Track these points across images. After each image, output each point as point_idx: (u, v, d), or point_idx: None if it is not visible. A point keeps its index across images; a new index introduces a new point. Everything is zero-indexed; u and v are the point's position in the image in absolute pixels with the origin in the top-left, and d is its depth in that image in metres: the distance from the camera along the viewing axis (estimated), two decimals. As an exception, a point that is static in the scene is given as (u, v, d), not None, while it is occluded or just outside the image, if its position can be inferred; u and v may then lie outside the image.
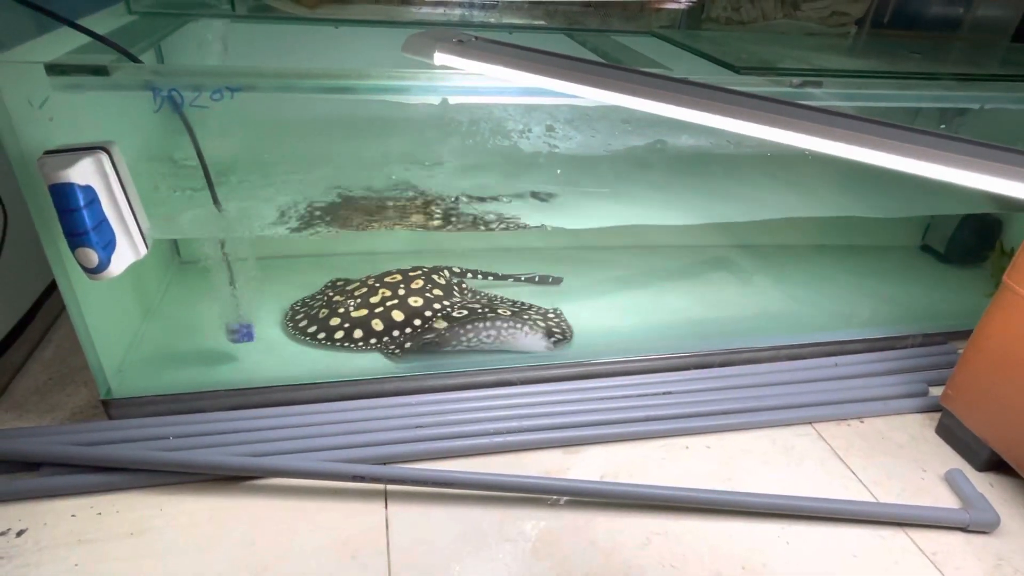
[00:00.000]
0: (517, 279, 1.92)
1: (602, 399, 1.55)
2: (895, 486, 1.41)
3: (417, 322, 1.61)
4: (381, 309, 1.63)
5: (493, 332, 1.58)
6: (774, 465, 1.44)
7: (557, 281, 1.95)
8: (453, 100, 1.22)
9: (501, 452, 1.42)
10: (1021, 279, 1.33)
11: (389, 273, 1.78)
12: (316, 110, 1.39)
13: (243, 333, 1.54)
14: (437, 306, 1.66)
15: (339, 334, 1.59)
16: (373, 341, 1.58)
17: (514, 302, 1.80)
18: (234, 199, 1.34)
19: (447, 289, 1.75)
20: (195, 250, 1.88)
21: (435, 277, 1.79)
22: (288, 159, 1.49)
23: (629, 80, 0.97)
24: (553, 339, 1.65)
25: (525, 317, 1.68)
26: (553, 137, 1.48)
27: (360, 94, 1.17)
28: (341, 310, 1.63)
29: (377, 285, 1.71)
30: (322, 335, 1.59)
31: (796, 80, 1.28)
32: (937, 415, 1.59)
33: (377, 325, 1.60)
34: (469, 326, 1.58)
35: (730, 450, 1.48)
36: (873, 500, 1.37)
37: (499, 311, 1.67)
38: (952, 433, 1.52)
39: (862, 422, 1.59)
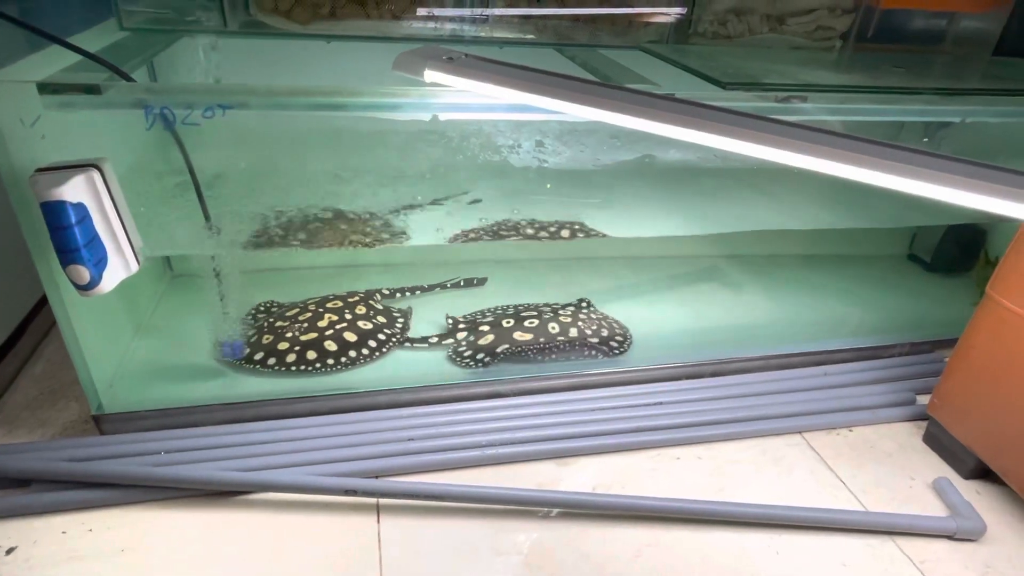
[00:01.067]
0: (444, 287, 1.96)
1: (593, 410, 1.56)
2: (883, 495, 1.42)
3: (373, 344, 1.63)
4: (332, 332, 1.64)
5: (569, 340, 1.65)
6: (764, 475, 1.45)
7: (482, 282, 2.00)
8: (444, 116, 1.24)
9: (493, 464, 1.42)
10: (1003, 290, 1.35)
11: (327, 299, 1.78)
12: (307, 126, 1.40)
13: (231, 349, 1.54)
14: (388, 332, 1.69)
15: (291, 357, 1.57)
16: (331, 362, 1.57)
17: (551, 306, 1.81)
18: (225, 214, 1.34)
19: (388, 315, 1.77)
20: (187, 264, 1.89)
21: (372, 302, 1.80)
22: (280, 175, 1.50)
23: (614, 97, 0.98)
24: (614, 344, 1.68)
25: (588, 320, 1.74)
26: (543, 152, 1.50)
27: (351, 111, 1.18)
28: (289, 334, 1.62)
29: (321, 311, 1.71)
30: (272, 360, 1.56)
31: (781, 95, 1.30)
32: (924, 424, 1.61)
33: (331, 346, 1.60)
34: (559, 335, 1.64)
35: (721, 460, 1.49)
36: (862, 509, 1.38)
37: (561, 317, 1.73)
38: (939, 441, 1.54)
39: (851, 431, 1.61)
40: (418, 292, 1.93)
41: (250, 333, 1.65)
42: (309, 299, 1.79)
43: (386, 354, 1.63)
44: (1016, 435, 1.33)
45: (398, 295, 1.90)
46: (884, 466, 1.50)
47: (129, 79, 1.15)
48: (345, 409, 1.50)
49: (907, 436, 1.60)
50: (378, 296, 1.86)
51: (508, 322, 1.76)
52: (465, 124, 1.40)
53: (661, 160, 1.55)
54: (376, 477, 1.35)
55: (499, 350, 1.66)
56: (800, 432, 1.59)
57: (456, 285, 1.97)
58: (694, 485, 1.41)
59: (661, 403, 1.61)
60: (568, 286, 2.05)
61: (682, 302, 2.00)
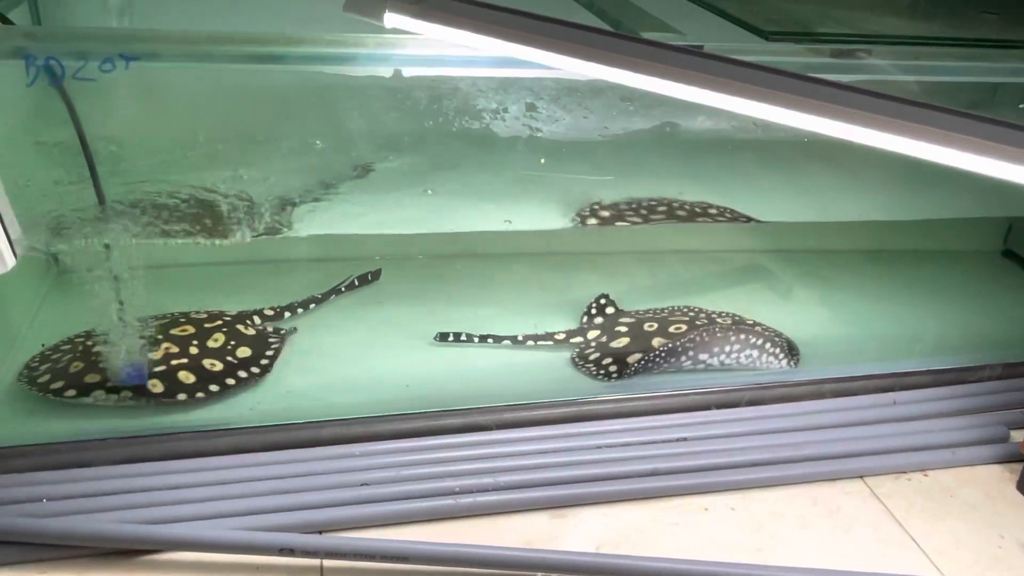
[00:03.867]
0: (338, 292, 2.03)
1: (599, 447, 1.57)
2: (966, 557, 1.45)
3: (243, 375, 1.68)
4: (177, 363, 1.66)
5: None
6: (815, 531, 1.47)
7: (376, 275, 2.08)
8: (408, 72, 1.25)
9: (469, 516, 1.43)
10: (1116, 298, 1.38)
11: (177, 323, 1.79)
12: (236, 83, 1.41)
13: (133, 370, 1.55)
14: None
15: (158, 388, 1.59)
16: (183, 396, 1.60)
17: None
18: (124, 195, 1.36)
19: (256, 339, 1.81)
20: (78, 259, 1.89)
21: (239, 327, 1.83)
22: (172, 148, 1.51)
23: (624, 51, 1.00)
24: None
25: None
26: (535, 119, 1.51)
27: (291, 64, 1.19)
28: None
29: (160, 337, 1.72)
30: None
31: (838, 49, 1.33)
32: (1019, 467, 1.63)
33: (187, 377, 1.62)
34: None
35: (760, 512, 1.51)
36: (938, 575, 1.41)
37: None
38: (1036, 489, 1.57)
39: (926, 475, 1.63)
40: (312, 306, 1.97)
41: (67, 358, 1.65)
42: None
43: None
44: None
45: (287, 314, 1.93)
46: (967, 521, 1.53)
47: (6, 21, 1.15)
48: (281, 445, 1.51)
49: (996, 482, 1.63)
50: (256, 318, 1.89)
51: (651, 326, 1.86)
52: (436, 82, 1.42)
53: (685, 129, 1.57)
54: (320, 532, 1.36)
55: (631, 360, 1.75)
56: (861, 476, 1.61)
57: (350, 286, 2.04)
58: (725, 544, 1.43)
59: (685, 439, 1.62)
60: (567, 287, 2.07)
61: (713, 308, 2.02)
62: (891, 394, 1.79)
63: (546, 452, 1.55)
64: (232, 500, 1.38)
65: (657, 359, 1.76)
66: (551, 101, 1.49)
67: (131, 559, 1.31)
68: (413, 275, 2.13)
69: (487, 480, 1.46)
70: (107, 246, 1.44)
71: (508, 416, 1.61)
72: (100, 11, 1.55)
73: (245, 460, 1.47)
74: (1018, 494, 1.60)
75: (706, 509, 1.51)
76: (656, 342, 1.82)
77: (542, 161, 1.57)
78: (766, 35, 1.36)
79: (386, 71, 1.24)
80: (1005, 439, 1.71)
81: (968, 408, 1.77)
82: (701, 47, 1.23)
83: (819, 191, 1.83)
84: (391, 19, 1.12)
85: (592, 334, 1.89)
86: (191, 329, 1.77)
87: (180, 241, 1.44)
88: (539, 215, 1.69)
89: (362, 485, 1.43)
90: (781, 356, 1.84)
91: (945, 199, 1.86)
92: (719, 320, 1.93)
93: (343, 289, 2.03)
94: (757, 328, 1.90)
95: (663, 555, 1.38)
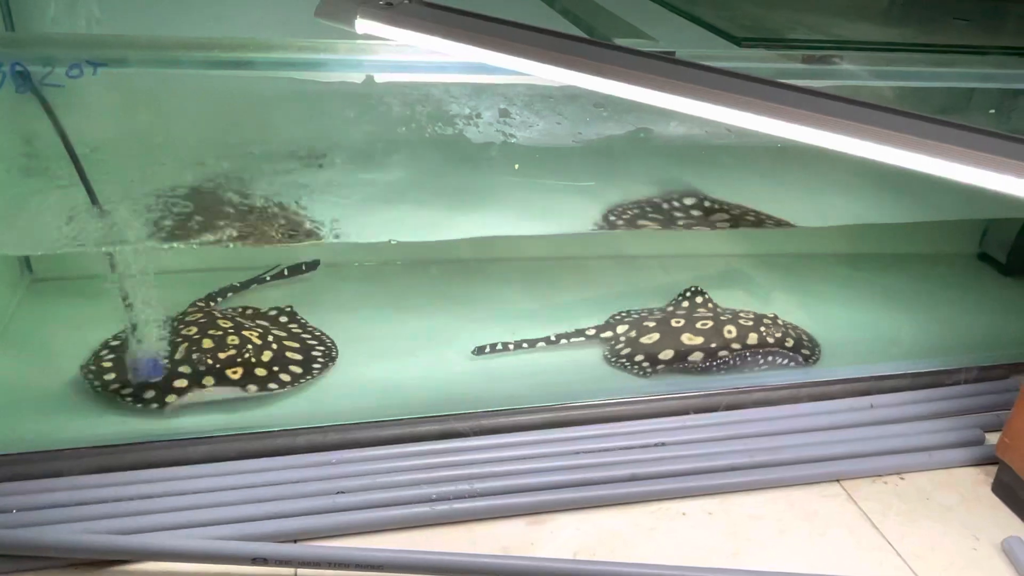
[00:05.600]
0: (262, 280, 2.05)
1: (577, 453, 1.57)
2: (941, 559, 1.45)
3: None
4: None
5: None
6: (792, 535, 1.48)
7: (313, 266, 2.10)
8: (381, 78, 1.24)
9: (446, 523, 1.42)
10: (1086, 301, 1.39)
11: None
12: (207, 88, 1.40)
13: (149, 367, 1.54)
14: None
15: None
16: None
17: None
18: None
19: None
20: (53, 265, 1.88)
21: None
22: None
23: (596, 57, 1.00)
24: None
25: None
26: (509, 124, 1.51)
27: (262, 70, 1.19)
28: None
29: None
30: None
31: (810, 54, 1.33)
32: (994, 469, 1.64)
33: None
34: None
35: (737, 516, 1.51)
36: (913, 578, 1.41)
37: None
38: (1011, 492, 1.58)
39: (902, 478, 1.64)
40: (230, 294, 1.99)
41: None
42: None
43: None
44: (1102, 483, 1.37)
45: (212, 303, 1.93)
46: (943, 523, 1.53)
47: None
48: (254, 453, 1.50)
49: (972, 485, 1.64)
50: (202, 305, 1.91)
51: (678, 322, 1.91)
52: (408, 88, 1.41)
53: (659, 135, 1.58)
54: (295, 541, 1.35)
55: (661, 356, 1.82)
56: (838, 480, 1.62)
57: (279, 275, 2.06)
58: (703, 548, 1.43)
59: (663, 444, 1.62)
60: (552, 291, 2.07)
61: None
62: (868, 397, 1.80)
63: (523, 458, 1.55)
64: (205, 509, 1.38)
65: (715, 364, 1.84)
66: (524, 107, 1.49)
67: (102, 570, 1.29)
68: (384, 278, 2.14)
69: (464, 487, 1.46)
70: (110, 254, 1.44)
71: (485, 422, 1.61)
72: (76, 17, 1.54)
73: (219, 469, 1.46)
74: (993, 496, 1.61)
75: (684, 514, 1.50)
76: (685, 338, 1.87)
77: (516, 167, 1.57)
78: (738, 41, 1.36)
79: (356, 77, 1.23)
80: (980, 442, 1.72)
81: (944, 411, 1.78)
82: (673, 53, 1.23)
83: (796, 196, 1.84)
84: (362, 25, 1.12)
85: (621, 329, 1.94)
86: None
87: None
88: (516, 220, 1.68)
89: (338, 493, 1.43)
90: (805, 354, 1.91)
91: (921, 203, 1.87)
92: (741, 317, 1.97)
93: (268, 278, 2.05)
94: (777, 330, 1.95)
95: (640, 560, 1.38)
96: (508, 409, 1.63)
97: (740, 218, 1.78)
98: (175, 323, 1.77)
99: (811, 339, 1.98)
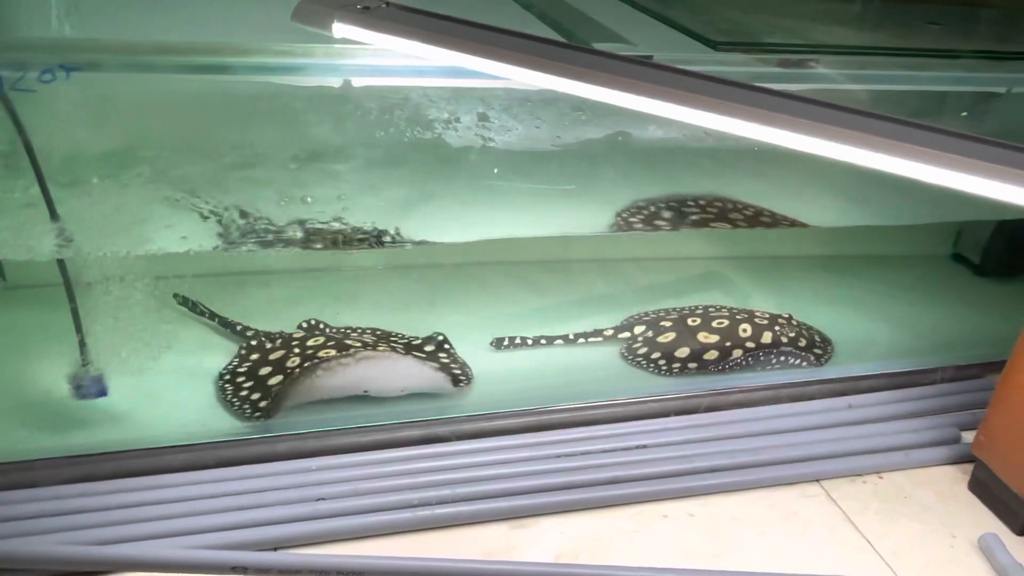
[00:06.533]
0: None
1: (558, 456, 1.57)
2: (919, 558, 1.46)
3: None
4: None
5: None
6: (773, 536, 1.48)
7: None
8: (358, 82, 1.24)
9: (428, 529, 1.42)
10: (1058, 300, 1.41)
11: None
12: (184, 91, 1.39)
13: (92, 387, 1.52)
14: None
15: None
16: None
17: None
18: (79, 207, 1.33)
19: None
20: (28, 273, 1.85)
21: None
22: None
23: (573, 61, 1.00)
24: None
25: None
26: (487, 128, 1.51)
27: (239, 75, 1.18)
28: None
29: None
30: None
31: (785, 58, 1.34)
32: (970, 467, 1.66)
33: None
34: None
35: (718, 518, 1.51)
36: (892, 576, 1.42)
37: None
38: (987, 489, 1.59)
39: (880, 478, 1.65)
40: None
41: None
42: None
43: None
44: (1075, 480, 1.39)
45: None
46: (921, 522, 1.55)
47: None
48: (233, 461, 1.48)
49: (950, 483, 1.65)
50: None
51: (694, 321, 1.94)
52: (386, 92, 1.41)
53: (638, 138, 1.58)
54: (275, 549, 1.34)
55: (678, 353, 1.86)
56: (818, 480, 1.62)
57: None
58: (684, 550, 1.43)
59: (644, 446, 1.62)
60: (526, 296, 2.06)
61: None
62: (846, 398, 1.81)
63: (505, 462, 1.54)
64: (184, 518, 1.36)
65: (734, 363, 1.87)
66: (503, 111, 1.49)
67: (78, 582, 1.28)
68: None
69: (445, 492, 1.45)
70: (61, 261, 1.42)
71: (467, 427, 1.60)
72: (52, 21, 1.52)
73: (198, 477, 1.45)
74: (970, 494, 1.62)
75: (665, 516, 1.51)
76: (702, 336, 1.90)
77: (495, 171, 1.57)
78: (715, 45, 1.37)
79: (334, 81, 1.23)
80: (957, 440, 1.73)
81: (921, 410, 1.80)
82: (650, 57, 1.24)
83: (772, 199, 1.85)
84: (340, 29, 1.12)
85: (638, 329, 1.96)
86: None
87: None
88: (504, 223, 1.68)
89: (319, 500, 1.41)
90: (818, 352, 1.94)
91: (897, 205, 1.89)
92: (756, 316, 2.00)
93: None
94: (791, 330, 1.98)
95: (622, 563, 1.38)
96: (489, 414, 1.62)
97: (755, 219, 1.83)
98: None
99: (824, 338, 2.01)
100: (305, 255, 1.95)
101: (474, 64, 1.07)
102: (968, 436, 1.74)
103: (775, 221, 1.82)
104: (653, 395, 1.72)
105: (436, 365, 1.72)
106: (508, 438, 1.60)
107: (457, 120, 1.47)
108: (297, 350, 1.73)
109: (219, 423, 1.55)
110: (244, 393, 1.64)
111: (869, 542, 1.49)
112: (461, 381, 1.72)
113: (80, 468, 1.43)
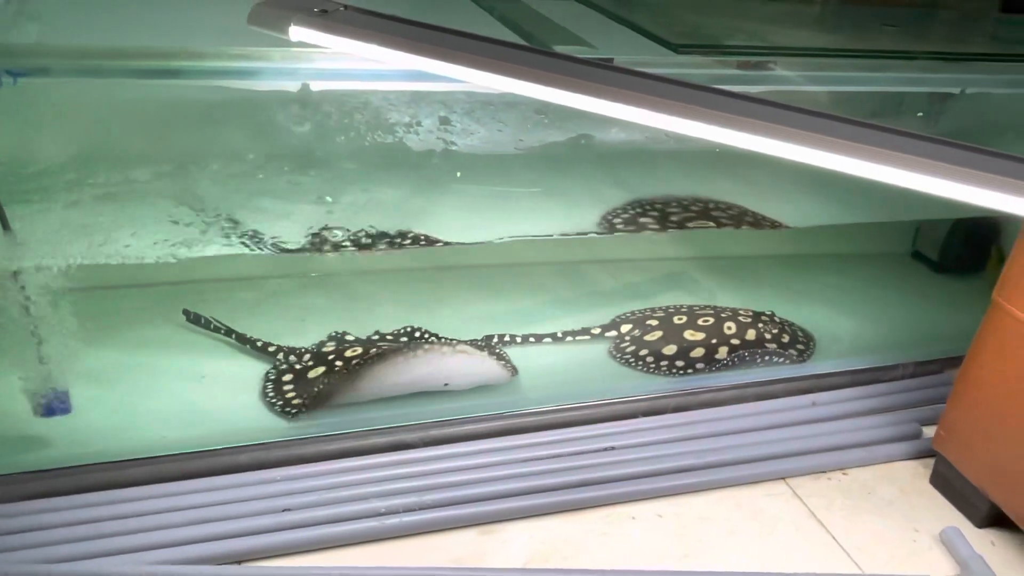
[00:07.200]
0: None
1: (527, 460, 1.56)
2: (883, 552, 1.48)
3: None
4: None
5: None
6: (740, 535, 1.49)
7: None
8: (317, 86, 1.22)
9: (397, 537, 1.40)
10: (1012, 295, 1.43)
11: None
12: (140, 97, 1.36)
13: (55, 404, 1.49)
14: None
15: None
16: None
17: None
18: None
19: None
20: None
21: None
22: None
23: (530, 64, 0.99)
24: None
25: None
26: (449, 132, 1.50)
27: (193, 79, 1.15)
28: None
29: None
30: None
31: (744, 60, 1.35)
32: (932, 461, 1.68)
33: None
34: None
35: (687, 518, 1.51)
36: (858, 573, 1.43)
37: None
38: (948, 483, 1.61)
39: (845, 474, 1.67)
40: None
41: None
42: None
43: None
44: (1032, 472, 1.41)
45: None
46: (884, 516, 1.56)
47: None
48: (196, 473, 1.46)
49: (912, 477, 1.67)
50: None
51: (680, 319, 1.98)
52: (346, 96, 1.39)
53: (600, 141, 1.58)
54: (239, 563, 1.32)
55: (665, 351, 1.88)
56: (784, 478, 1.64)
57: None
58: (653, 552, 1.43)
59: (612, 448, 1.62)
60: (482, 301, 2.05)
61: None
62: (810, 396, 1.82)
63: (474, 468, 1.53)
64: (146, 533, 1.33)
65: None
66: (464, 114, 1.48)
67: (35, 601, 1.24)
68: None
69: (413, 499, 1.44)
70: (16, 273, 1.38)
71: (435, 433, 1.59)
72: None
73: (160, 490, 1.42)
74: (932, 488, 1.65)
75: (634, 517, 1.50)
76: (688, 334, 1.93)
77: (458, 175, 1.56)
78: (675, 47, 1.38)
79: (292, 85, 1.21)
80: (918, 435, 1.76)
81: (883, 407, 1.82)
82: (611, 60, 1.23)
83: (740, 197, 1.86)
84: (297, 32, 1.09)
85: (625, 328, 1.98)
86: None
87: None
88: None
89: (284, 511, 1.39)
90: (801, 349, 1.97)
91: (856, 204, 1.91)
92: (740, 314, 2.03)
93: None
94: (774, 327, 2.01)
95: (591, 566, 1.38)
96: (457, 419, 1.61)
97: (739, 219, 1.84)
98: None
99: (806, 334, 2.04)
100: (272, 262, 1.92)
101: (433, 68, 1.06)
102: (929, 431, 1.77)
103: (756, 222, 1.85)
104: (621, 397, 1.72)
105: (495, 357, 1.75)
106: (476, 443, 1.59)
107: (418, 124, 1.46)
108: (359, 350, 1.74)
109: (179, 434, 1.52)
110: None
111: (835, 538, 1.50)
112: (515, 372, 1.77)
113: (40, 484, 1.40)
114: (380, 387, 1.63)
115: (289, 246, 1.47)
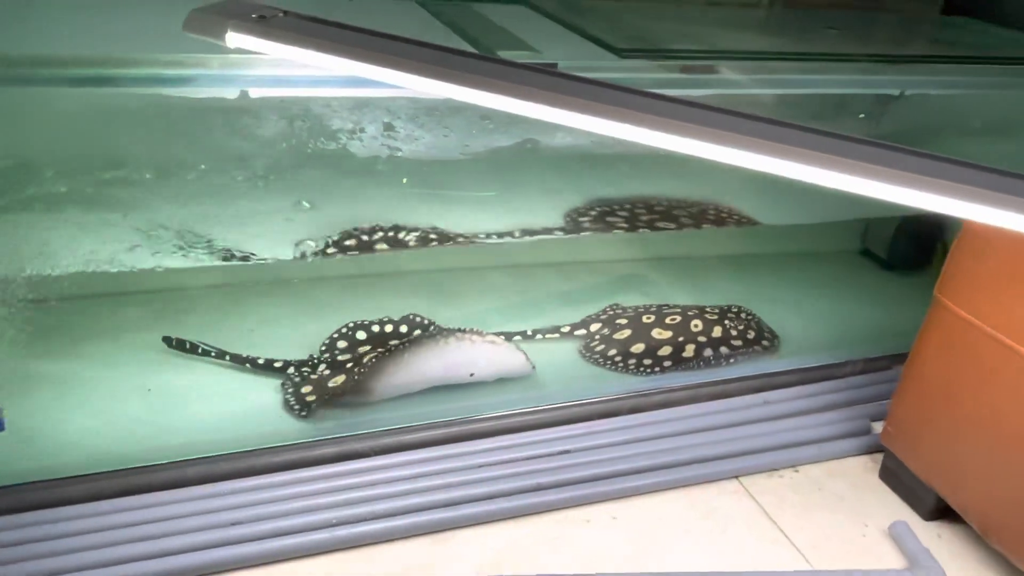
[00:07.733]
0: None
1: (480, 466, 1.55)
2: (833, 548, 1.50)
3: None
4: None
5: None
6: (694, 535, 1.49)
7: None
8: (256, 93, 1.20)
9: (347, 548, 1.38)
10: (952, 292, 1.46)
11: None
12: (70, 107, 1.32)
13: None
14: None
15: None
16: None
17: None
18: None
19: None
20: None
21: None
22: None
23: (471, 69, 0.98)
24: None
25: None
26: (393, 138, 1.49)
27: (126, 87, 1.12)
28: None
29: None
30: None
31: (686, 64, 1.36)
32: (880, 456, 1.71)
33: None
34: None
35: (641, 520, 1.52)
36: (808, 569, 1.45)
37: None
38: (896, 477, 1.64)
39: (796, 471, 1.69)
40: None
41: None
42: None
43: None
44: (972, 466, 1.44)
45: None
46: (834, 512, 1.58)
47: None
48: (139, 489, 1.42)
49: (862, 473, 1.70)
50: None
51: (649, 318, 2.00)
52: (286, 103, 1.37)
53: (546, 145, 1.58)
54: (185, 579, 1.29)
55: (633, 349, 1.88)
56: (736, 476, 1.65)
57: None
58: (607, 556, 1.43)
59: (567, 451, 1.62)
60: (433, 302, 2.04)
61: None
62: (762, 394, 1.84)
63: (426, 475, 1.52)
64: (87, 552, 1.30)
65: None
66: (409, 120, 1.47)
67: (-30, 627, 1.20)
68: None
69: (364, 509, 1.42)
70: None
71: (385, 441, 1.57)
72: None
73: (101, 508, 1.38)
74: (881, 483, 1.67)
75: (588, 521, 1.50)
76: (656, 332, 1.94)
77: (404, 181, 1.54)
78: (620, 52, 1.38)
79: (230, 92, 1.18)
80: (867, 431, 1.78)
81: (833, 404, 1.85)
82: (555, 65, 1.23)
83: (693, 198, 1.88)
84: (234, 39, 1.07)
85: (595, 327, 1.99)
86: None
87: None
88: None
89: (232, 525, 1.37)
90: (765, 345, 2.00)
91: (805, 204, 1.93)
92: (707, 311, 2.05)
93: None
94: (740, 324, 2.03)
95: (544, 572, 1.37)
96: (408, 426, 1.59)
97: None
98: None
99: (771, 331, 2.06)
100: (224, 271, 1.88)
101: (374, 74, 1.05)
102: (878, 427, 1.79)
103: (719, 219, 1.87)
104: (575, 400, 1.72)
105: (517, 350, 1.76)
106: (428, 450, 1.58)
107: (362, 130, 1.44)
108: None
109: (121, 449, 1.48)
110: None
111: (786, 535, 1.52)
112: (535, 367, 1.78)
113: (-29, 505, 1.35)
114: (409, 380, 1.64)
115: (222, 255, 1.44)
